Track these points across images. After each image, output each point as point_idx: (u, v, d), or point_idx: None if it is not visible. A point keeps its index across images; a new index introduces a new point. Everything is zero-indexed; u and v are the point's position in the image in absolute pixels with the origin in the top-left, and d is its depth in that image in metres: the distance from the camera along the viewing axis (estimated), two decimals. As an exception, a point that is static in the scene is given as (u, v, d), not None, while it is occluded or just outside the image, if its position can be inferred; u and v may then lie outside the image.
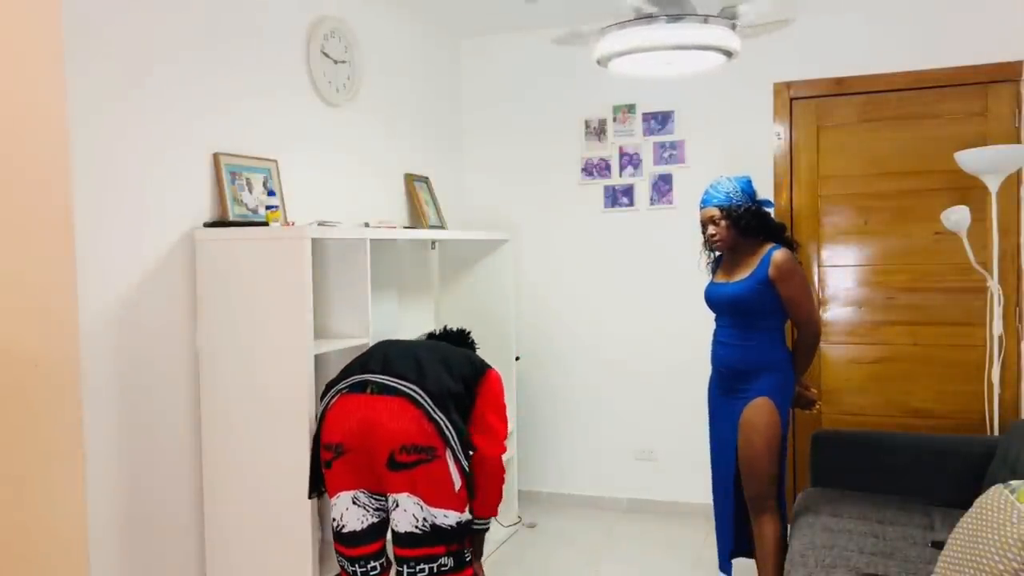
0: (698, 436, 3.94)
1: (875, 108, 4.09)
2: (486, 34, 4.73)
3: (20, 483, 2.42)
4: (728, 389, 3.13)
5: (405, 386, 2.54)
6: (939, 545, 2.65)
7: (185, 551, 2.82)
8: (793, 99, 4.20)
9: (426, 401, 2.52)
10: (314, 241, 2.78)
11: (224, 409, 2.81)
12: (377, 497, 2.58)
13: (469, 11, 4.32)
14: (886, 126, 4.08)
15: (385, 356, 2.67)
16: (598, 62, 3.07)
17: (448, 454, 2.52)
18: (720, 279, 3.18)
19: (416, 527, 2.48)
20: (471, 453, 2.69)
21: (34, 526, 2.43)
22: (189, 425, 2.82)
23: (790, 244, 3.13)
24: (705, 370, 3.33)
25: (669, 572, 3.74)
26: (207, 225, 2.86)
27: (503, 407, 2.88)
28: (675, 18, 2.75)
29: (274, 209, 2.97)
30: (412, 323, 4.07)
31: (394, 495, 2.50)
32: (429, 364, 2.66)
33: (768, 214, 3.15)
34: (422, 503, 2.48)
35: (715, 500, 3.26)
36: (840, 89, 4.12)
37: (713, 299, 3.18)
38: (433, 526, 2.49)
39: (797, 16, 4.07)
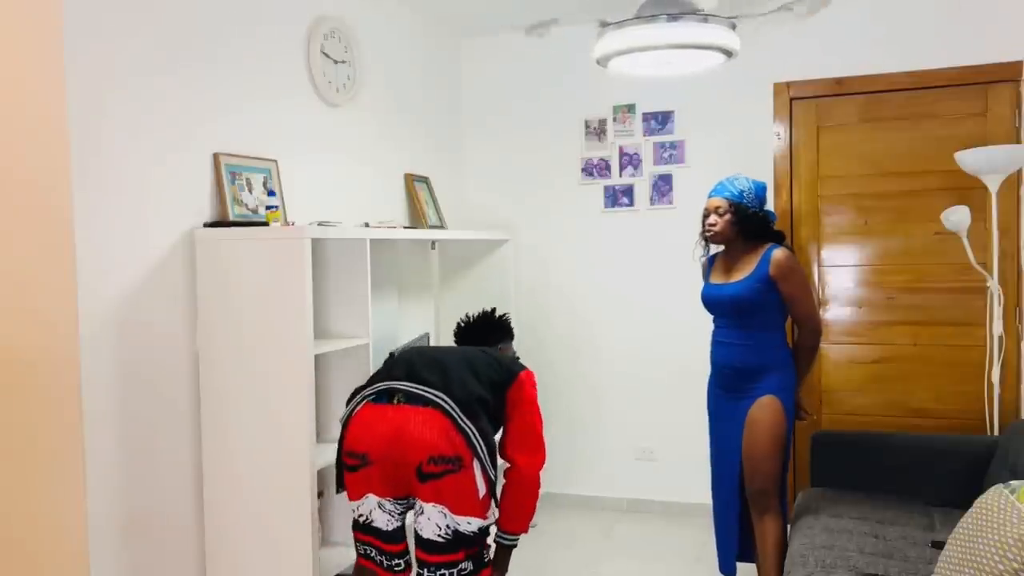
0: (698, 436, 3.94)
1: (875, 108, 4.09)
2: (486, 34, 4.73)
3: (20, 483, 2.42)
4: (731, 389, 3.12)
5: (432, 394, 2.49)
6: (939, 545, 2.65)
7: (185, 551, 2.82)
8: (793, 99, 4.20)
9: (454, 410, 2.47)
10: (314, 241, 2.78)
11: (224, 409, 2.80)
12: (401, 502, 2.56)
13: (470, 11, 4.32)
14: (886, 126, 4.08)
15: (410, 362, 2.62)
16: (598, 62, 3.07)
17: (475, 463, 2.47)
18: (717, 280, 3.16)
19: (438, 535, 2.46)
20: (506, 466, 2.64)
21: (34, 526, 2.43)
22: (189, 425, 2.82)
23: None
24: (705, 370, 3.33)
25: (669, 572, 3.74)
26: (207, 225, 2.86)
27: (539, 413, 2.74)
28: (675, 17, 2.75)
29: (274, 209, 2.97)
30: (412, 323, 4.07)
31: (420, 503, 2.47)
32: (455, 369, 2.59)
33: (772, 224, 3.15)
34: (446, 511, 2.44)
35: (717, 501, 3.24)
36: (840, 89, 4.12)
37: (712, 300, 3.16)
38: (455, 532, 2.46)
39: (794, 16, 4.06)
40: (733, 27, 2.87)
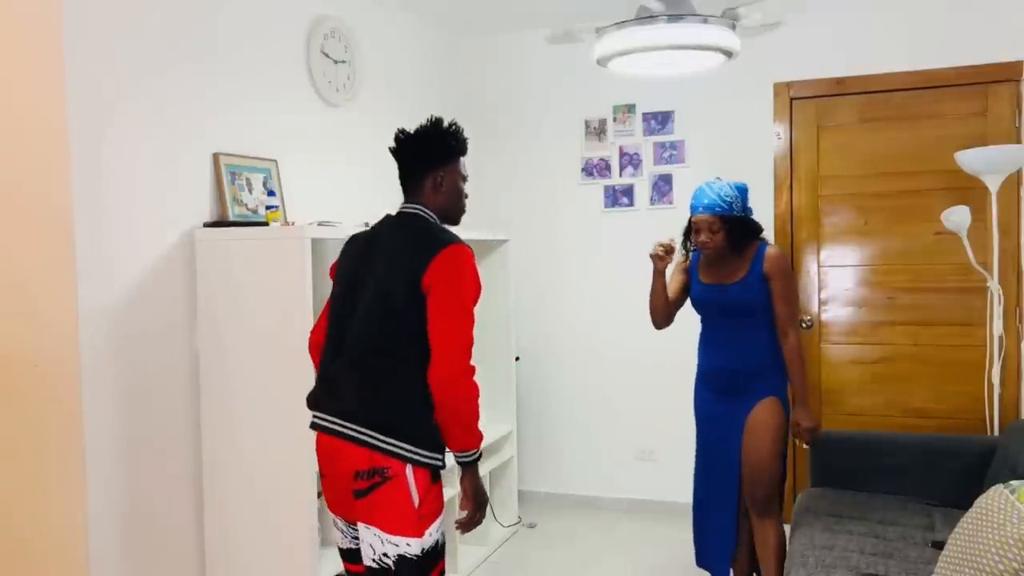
0: (698, 436, 3.94)
1: (875, 108, 4.08)
2: (486, 34, 4.73)
3: (20, 483, 2.42)
4: (726, 392, 3.02)
5: (350, 429, 2.16)
6: (939, 545, 2.64)
7: (185, 551, 2.82)
8: (793, 99, 4.20)
9: (374, 438, 2.14)
10: (314, 241, 2.78)
11: (224, 409, 2.81)
12: (352, 527, 2.31)
13: (469, 11, 4.32)
14: (886, 126, 4.08)
15: (333, 381, 2.25)
16: (598, 62, 3.06)
17: (408, 468, 2.14)
18: (708, 280, 3.04)
19: (374, 560, 2.18)
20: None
21: (34, 526, 2.43)
22: (189, 425, 2.82)
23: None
24: (705, 370, 3.31)
25: (669, 572, 3.74)
26: (207, 225, 2.86)
27: (455, 293, 2.18)
28: (675, 18, 2.75)
29: (274, 209, 2.97)
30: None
31: (358, 524, 2.22)
32: (367, 370, 2.19)
33: (753, 220, 3.00)
34: (379, 533, 2.16)
35: (709, 508, 3.10)
36: (840, 89, 4.12)
37: (709, 303, 3.05)
38: (400, 558, 2.16)
39: (794, 16, 4.06)
40: (733, 27, 2.87)
